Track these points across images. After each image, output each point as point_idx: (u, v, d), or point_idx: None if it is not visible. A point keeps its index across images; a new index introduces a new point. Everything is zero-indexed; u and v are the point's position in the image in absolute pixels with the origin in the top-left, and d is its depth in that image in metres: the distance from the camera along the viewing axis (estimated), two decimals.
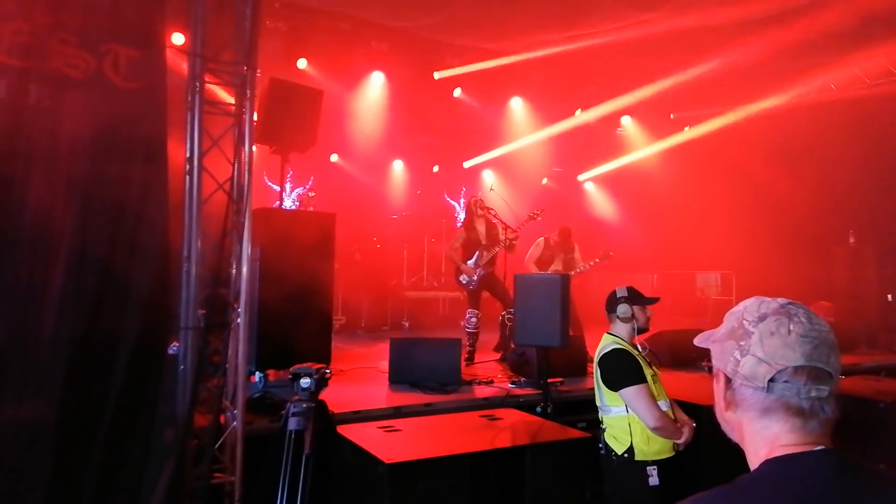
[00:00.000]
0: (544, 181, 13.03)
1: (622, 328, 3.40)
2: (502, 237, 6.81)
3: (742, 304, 1.19)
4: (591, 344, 6.24)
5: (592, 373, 3.55)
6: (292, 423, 2.81)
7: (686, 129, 11.86)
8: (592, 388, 4.59)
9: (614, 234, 11.79)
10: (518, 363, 5.67)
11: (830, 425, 1.10)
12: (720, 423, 1.23)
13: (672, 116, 12.12)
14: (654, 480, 3.13)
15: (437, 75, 10.29)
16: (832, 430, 1.11)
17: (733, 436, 1.20)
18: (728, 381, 1.16)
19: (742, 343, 1.13)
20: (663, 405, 3.25)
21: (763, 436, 1.11)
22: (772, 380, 1.08)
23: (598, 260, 7.08)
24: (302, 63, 9.21)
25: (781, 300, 1.15)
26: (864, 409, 4.39)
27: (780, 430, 1.09)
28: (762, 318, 1.12)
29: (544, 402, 4.57)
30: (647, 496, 3.13)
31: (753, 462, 1.13)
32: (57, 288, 3.01)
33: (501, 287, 6.78)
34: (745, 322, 1.14)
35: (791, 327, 1.10)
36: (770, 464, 1.08)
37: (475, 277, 6.67)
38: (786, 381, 1.08)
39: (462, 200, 12.28)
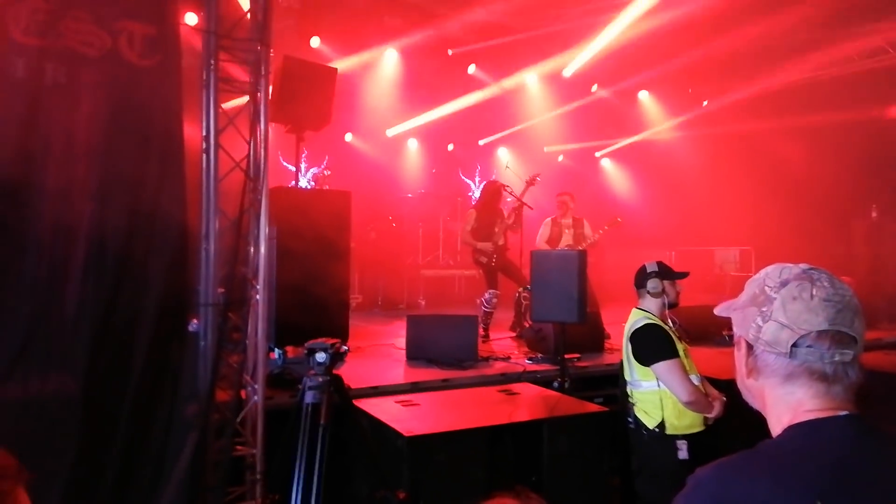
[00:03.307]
0: (560, 158, 12.93)
1: (652, 303, 3.35)
2: (506, 213, 6.83)
3: (763, 271, 1.18)
4: (607, 320, 6.24)
5: (619, 348, 3.52)
6: (308, 397, 2.84)
7: (705, 103, 11.67)
8: (610, 364, 4.59)
9: (632, 210, 11.69)
10: (535, 339, 5.68)
11: (854, 390, 1.09)
12: (741, 391, 1.23)
13: (690, 91, 11.91)
14: (683, 454, 3.12)
15: (451, 51, 10.15)
16: (855, 396, 1.10)
17: (754, 403, 1.20)
18: (750, 348, 1.15)
19: (764, 309, 1.11)
20: (695, 380, 3.23)
21: (786, 402, 1.10)
22: (795, 345, 1.07)
23: (606, 228, 7.03)
24: (315, 41, 9.16)
25: (803, 265, 1.14)
26: (884, 383, 4.35)
27: (803, 395, 1.09)
28: (784, 284, 1.11)
29: (561, 378, 4.58)
30: (676, 470, 3.09)
31: (776, 429, 1.12)
32: (78, 266, 3.05)
33: (515, 267, 6.79)
34: (766, 288, 1.13)
35: (814, 292, 1.08)
36: (794, 429, 1.07)
37: (494, 255, 6.68)
38: (809, 346, 1.07)
39: (478, 179, 12.24)
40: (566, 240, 6.96)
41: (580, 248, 6.67)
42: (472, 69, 10.89)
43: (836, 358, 1.06)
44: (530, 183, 6.83)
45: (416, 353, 5.34)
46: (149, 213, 3.23)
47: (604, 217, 7.40)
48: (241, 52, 3.70)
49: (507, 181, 7.25)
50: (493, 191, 7.02)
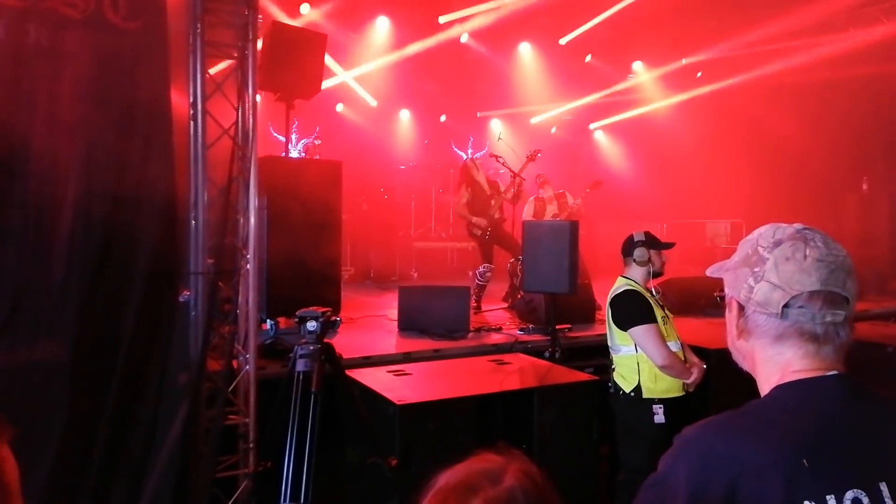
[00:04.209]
0: (553, 130, 12.83)
1: (637, 271, 3.48)
2: (503, 188, 6.83)
3: (756, 231, 1.16)
4: (599, 291, 6.26)
5: (604, 318, 3.62)
6: (300, 365, 2.85)
7: (699, 74, 11.56)
8: (600, 335, 4.62)
9: (624, 183, 11.67)
10: (526, 310, 5.69)
11: (844, 351, 1.08)
12: (732, 353, 1.22)
13: (683, 62, 11.78)
14: (659, 418, 3.26)
15: (442, 19, 9.97)
16: (845, 356, 1.09)
17: (744, 364, 1.19)
18: (741, 308, 1.14)
19: (756, 269, 1.10)
20: (673, 346, 3.33)
21: (775, 362, 1.10)
22: (786, 305, 1.07)
23: (588, 191, 7.09)
24: (305, 8, 8.98)
25: (797, 225, 1.13)
26: (871, 353, 4.40)
27: (792, 355, 1.08)
28: (777, 244, 1.10)
29: (552, 348, 4.60)
30: (652, 433, 3.24)
31: (765, 389, 1.12)
32: (65, 234, 3.01)
33: (510, 239, 6.82)
34: (759, 248, 1.12)
35: (807, 252, 1.07)
36: (782, 388, 1.07)
37: (488, 228, 6.69)
38: (800, 307, 1.06)
39: (470, 151, 12.14)
40: (551, 211, 7.01)
41: (565, 216, 6.74)
42: (464, 38, 10.72)
43: (828, 318, 1.06)
44: (530, 159, 6.88)
45: (408, 324, 5.34)
46: (136, 180, 3.17)
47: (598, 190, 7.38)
48: (227, 14, 3.62)
49: (500, 152, 7.23)
50: (464, 170, 7.22)
